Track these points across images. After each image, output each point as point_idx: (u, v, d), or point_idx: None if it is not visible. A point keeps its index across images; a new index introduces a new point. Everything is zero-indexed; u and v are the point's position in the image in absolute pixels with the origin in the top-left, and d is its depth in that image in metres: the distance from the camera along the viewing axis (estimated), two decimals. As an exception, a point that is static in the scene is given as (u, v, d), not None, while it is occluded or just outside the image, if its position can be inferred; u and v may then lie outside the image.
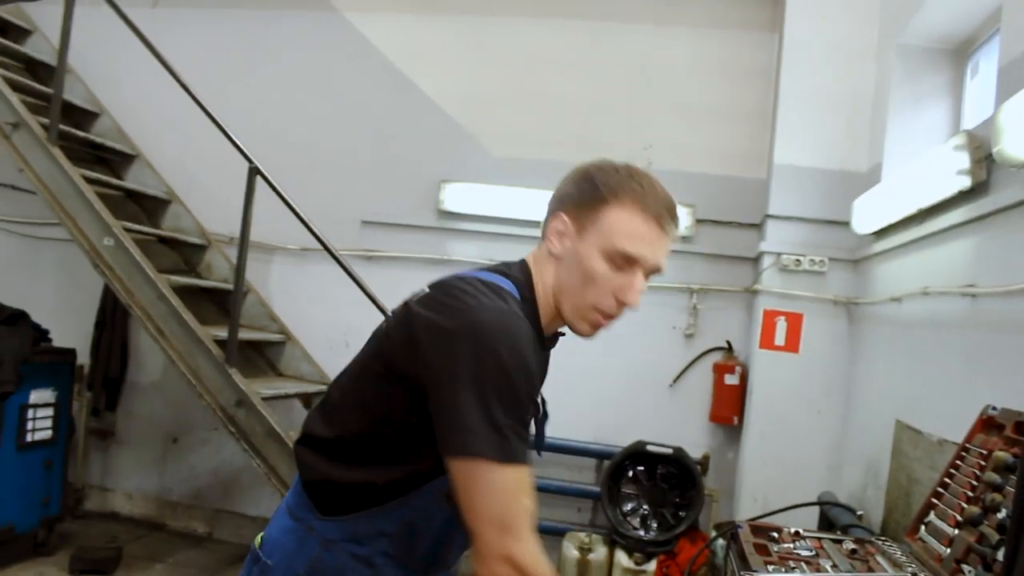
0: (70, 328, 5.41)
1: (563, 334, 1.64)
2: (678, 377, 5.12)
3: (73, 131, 4.98)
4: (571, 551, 4.70)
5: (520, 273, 1.55)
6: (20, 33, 5.65)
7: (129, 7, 4.75)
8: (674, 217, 1.51)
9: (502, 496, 1.32)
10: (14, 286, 5.46)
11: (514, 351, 1.33)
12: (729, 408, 4.86)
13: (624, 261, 1.47)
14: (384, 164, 5.48)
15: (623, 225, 1.46)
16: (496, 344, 1.32)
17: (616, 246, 1.46)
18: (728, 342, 5.00)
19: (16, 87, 4.79)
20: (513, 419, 1.31)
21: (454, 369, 1.32)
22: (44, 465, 4.81)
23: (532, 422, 1.49)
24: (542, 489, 4.93)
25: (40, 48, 5.53)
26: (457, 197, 5.32)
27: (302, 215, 4.41)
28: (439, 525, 1.49)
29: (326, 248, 4.44)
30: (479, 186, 5.31)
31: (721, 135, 5.21)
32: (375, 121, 5.56)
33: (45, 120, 4.63)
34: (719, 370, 4.91)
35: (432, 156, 5.45)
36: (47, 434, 4.81)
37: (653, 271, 1.51)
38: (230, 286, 4.90)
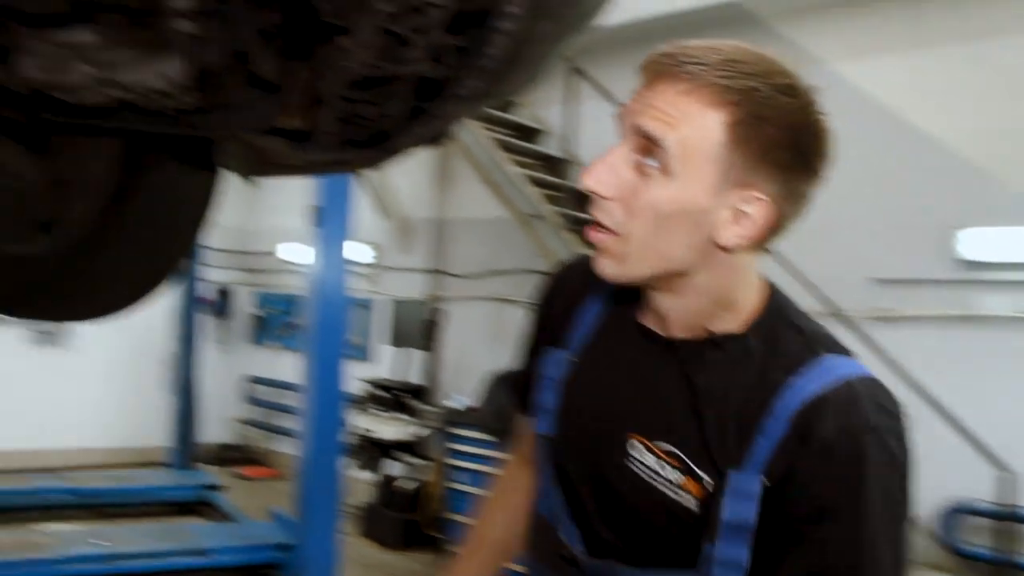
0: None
1: (728, 338, 1.09)
2: None
3: (582, 215, 5.51)
4: None
5: None
6: (536, 134, 6.47)
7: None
8: (654, 62, 1.04)
9: None
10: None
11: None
12: None
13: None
14: (882, 214, 5.03)
15: None
16: None
17: None
18: None
19: (536, 182, 5.47)
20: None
21: None
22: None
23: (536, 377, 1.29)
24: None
25: (552, 145, 6.25)
26: (976, 243, 4.63)
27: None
28: (545, 489, 1.27)
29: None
30: (1002, 229, 4.55)
31: None
32: (868, 168, 5.13)
33: (559, 209, 5.19)
34: None
35: (938, 199, 4.82)
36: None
37: (643, 139, 1.04)
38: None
